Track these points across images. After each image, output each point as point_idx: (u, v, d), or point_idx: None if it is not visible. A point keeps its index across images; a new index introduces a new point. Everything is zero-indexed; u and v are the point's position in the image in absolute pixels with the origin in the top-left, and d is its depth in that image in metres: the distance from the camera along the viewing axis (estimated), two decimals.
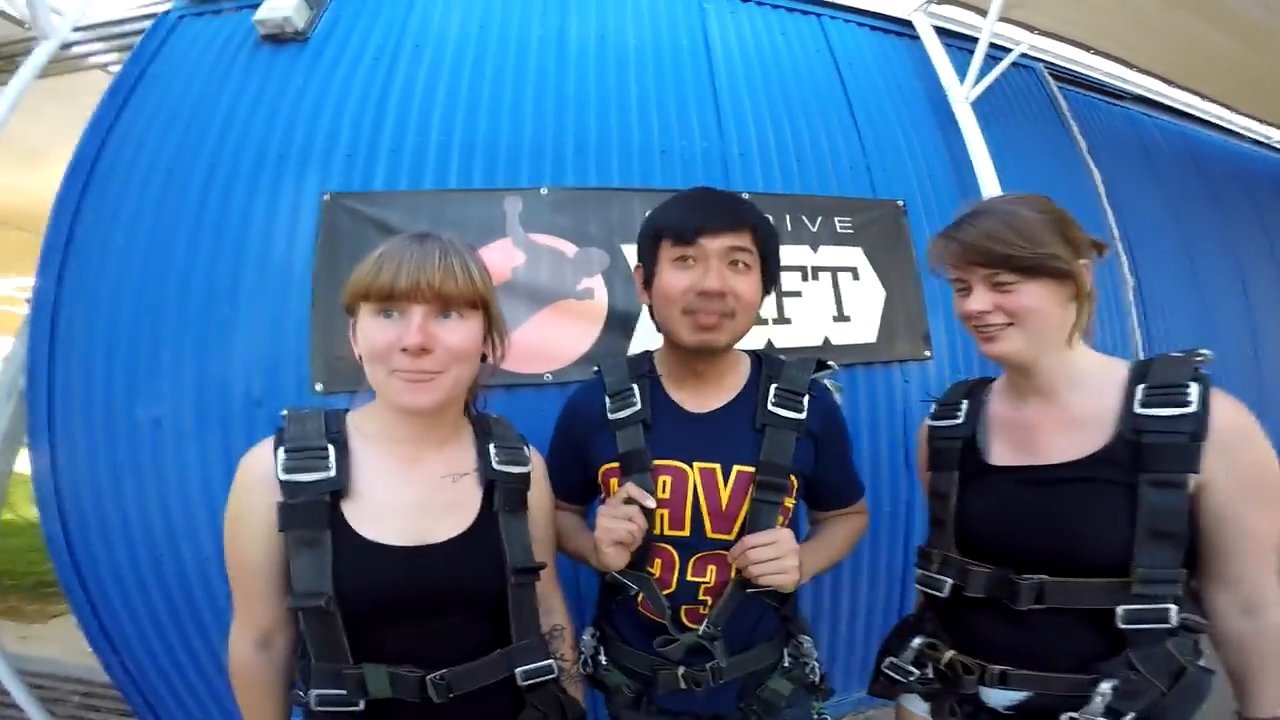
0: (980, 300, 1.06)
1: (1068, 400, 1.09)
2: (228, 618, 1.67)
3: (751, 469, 1.19)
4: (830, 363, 1.32)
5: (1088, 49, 3.76)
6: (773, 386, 1.25)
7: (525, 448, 1.16)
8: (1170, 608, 0.97)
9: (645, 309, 2.20)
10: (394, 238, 1.02)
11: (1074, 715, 1.01)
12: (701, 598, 1.21)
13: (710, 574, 1.20)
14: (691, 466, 1.20)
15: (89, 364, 2.09)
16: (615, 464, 1.24)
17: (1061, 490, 1.04)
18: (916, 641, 1.21)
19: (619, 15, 2.85)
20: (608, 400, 1.27)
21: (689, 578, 1.21)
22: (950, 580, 1.15)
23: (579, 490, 1.37)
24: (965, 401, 1.23)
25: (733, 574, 1.19)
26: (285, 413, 1.03)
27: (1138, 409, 1.00)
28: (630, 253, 2.35)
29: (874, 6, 3.34)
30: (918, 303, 2.67)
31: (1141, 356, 3.07)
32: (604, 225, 2.37)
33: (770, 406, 1.23)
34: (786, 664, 1.27)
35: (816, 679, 1.30)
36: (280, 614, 1.03)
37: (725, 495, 1.19)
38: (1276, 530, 1.00)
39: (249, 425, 2.07)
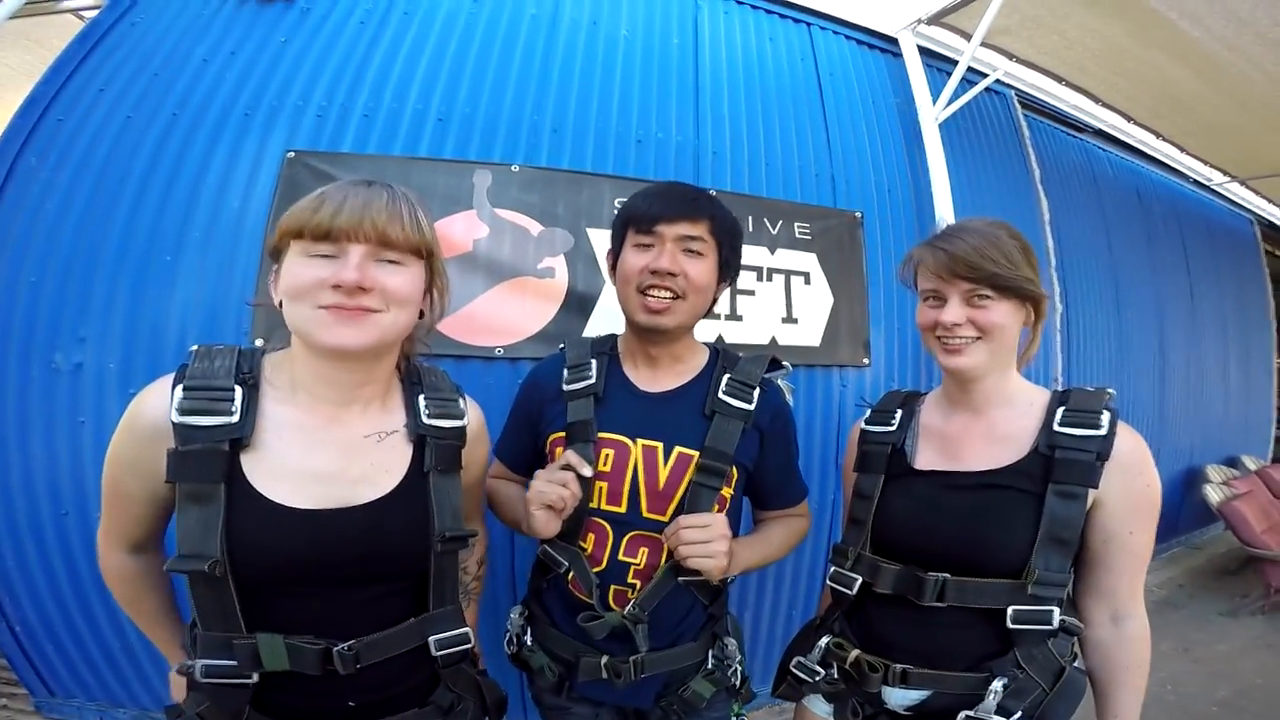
0: (955, 313, 1.00)
1: (994, 417, 1.05)
2: None
3: (692, 452, 1.08)
4: (785, 363, 1.21)
5: (1060, 80, 3.48)
6: (725, 376, 1.14)
7: (460, 399, 0.96)
8: (1055, 610, 0.96)
9: (613, 292, 2.08)
10: (339, 181, 0.83)
11: (969, 714, 0.97)
12: (631, 580, 1.09)
13: (642, 556, 1.08)
14: (635, 442, 1.09)
15: (8, 306, 1.78)
16: (562, 433, 1.12)
17: (976, 495, 1.00)
18: (824, 640, 1.13)
19: (614, 4, 2.55)
20: (565, 372, 1.16)
21: (620, 557, 1.08)
22: (860, 578, 1.08)
23: (527, 461, 1.23)
24: (899, 410, 1.16)
25: (664, 558, 1.07)
26: (194, 348, 0.82)
27: (1057, 427, 0.98)
28: (596, 237, 2.15)
29: (864, 22, 3.05)
30: (863, 312, 2.50)
31: (1060, 379, 2.95)
32: (572, 207, 2.14)
33: (721, 394, 1.12)
34: (710, 666, 1.14)
35: (738, 682, 1.18)
36: (154, 531, 0.86)
37: (664, 475, 1.08)
38: (1149, 549, 1.00)
39: None
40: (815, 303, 2.40)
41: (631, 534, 1.08)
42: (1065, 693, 0.97)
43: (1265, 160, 4.28)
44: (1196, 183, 4.86)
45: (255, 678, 0.77)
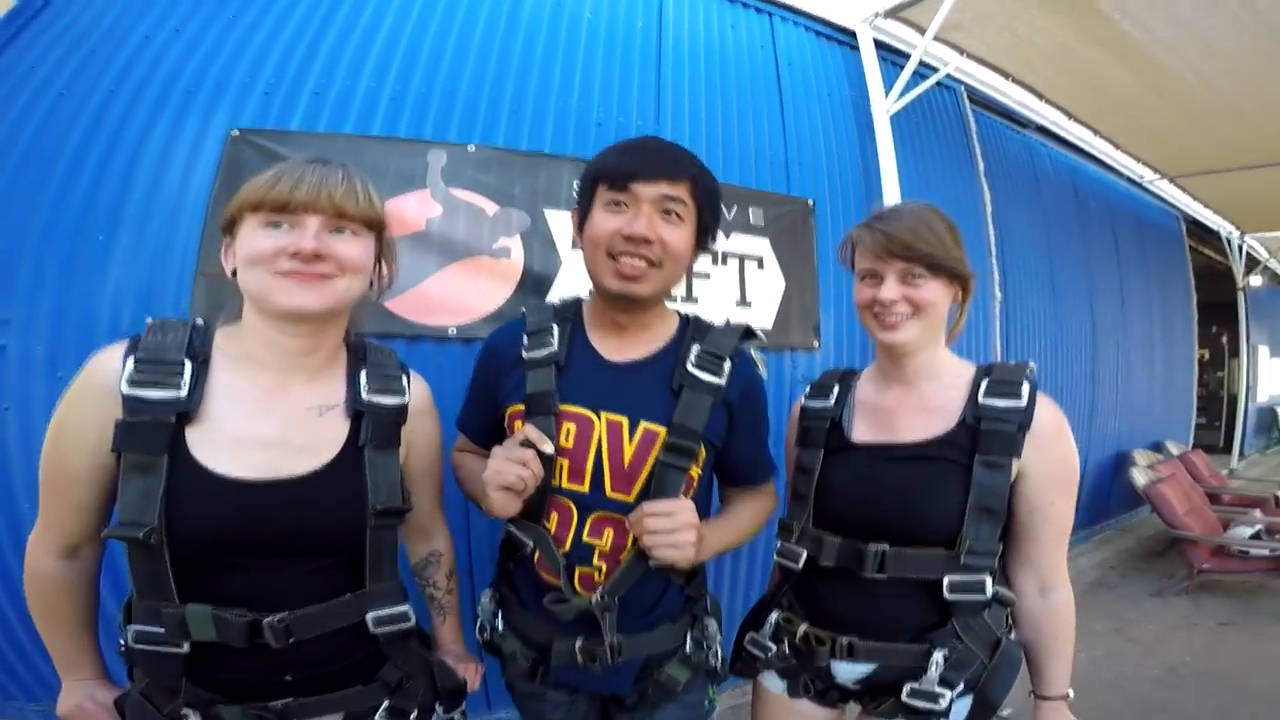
0: (891, 290, 1.04)
1: (925, 390, 1.10)
2: None
3: (659, 428, 1.01)
4: (759, 332, 1.14)
5: (1007, 76, 3.63)
6: (695, 347, 1.06)
7: (404, 377, 0.98)
8: (987, 579, 0.99)
9: (570, 272, 2.08)
10: (292, 159, 0.86)
11: (915, 686, 1.00)
12: (596, 563, 1.02)
13: (607, 537, 1.01)
14: (599, 416, 1.02)
15: None
16: (521, 405, 1.04)
17: (909, 466, 1.04)
18: (774, 616, 1.16)
19: None
20: (525, 339, 1.08)
21: (584, 538, 1.02)
22: (805, 552, 1.10)
23: (489, 434, 1.14)
24: (837, 386, 1.19)
25: (630, 542, 1.01)
26: (150, 320, 0.84)
27: (981, 399, 1.03)
28: (553, 218, 2.15)
29: (824, 14, 3.11)
30: (813, 296, 2.58)
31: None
32: (529, 188, 2.13)
33: (690, 367, 1.04)
34: (688, 649, 1.09)
35: (717, 664, 1.14)
36: (93, 528, 0.85)
37: (629, 452, 1.01)
38: (1070, 519, 1.05)
39: None
40: (768, 287, 2.46)
41: (595, 515, 1.02)
42: (1003, 663, 1.01)
43: (1193, 159, 4.55)
44: (1129, 179, 5.14)
45: (186, 648, 0.78)
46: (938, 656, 0.99)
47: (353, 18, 2.11)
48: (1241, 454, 7.37)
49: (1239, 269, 6.73)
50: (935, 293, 1.04)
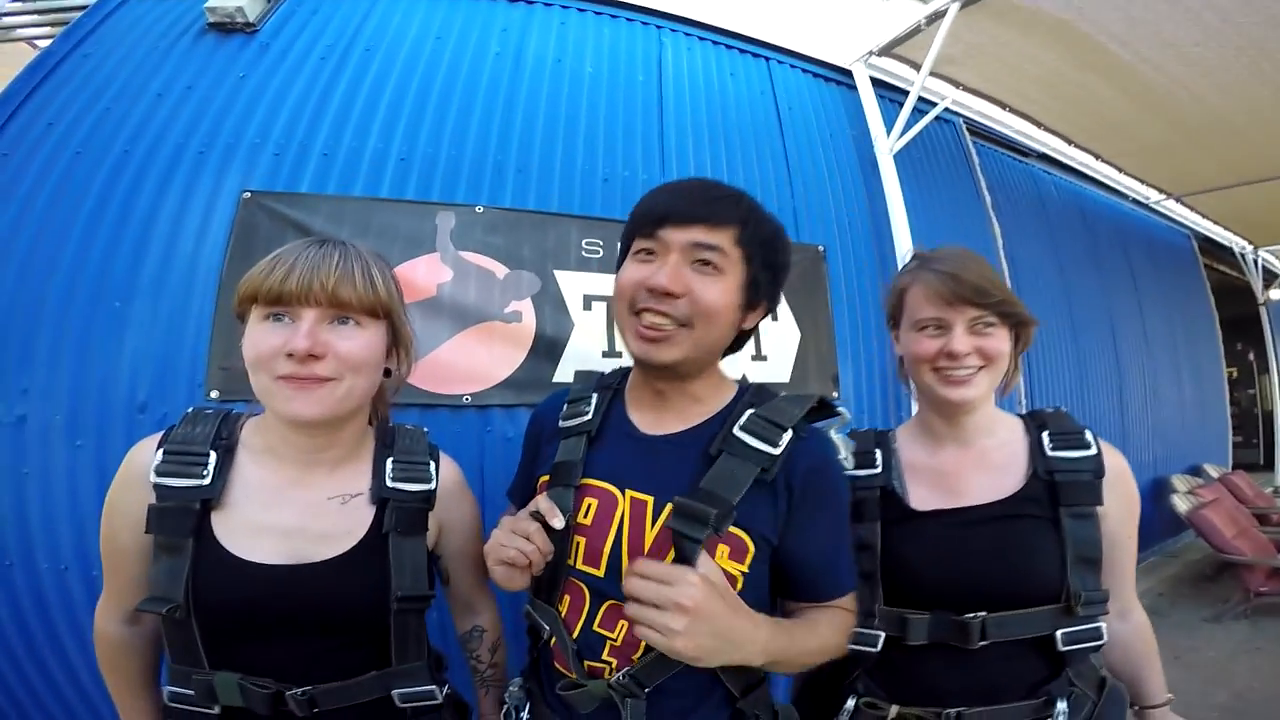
0: (964, 341, 1.00)
1: (984, 446, 1.07)
2: (86, 635, 1.32)
3: None
4: (841, 409, 0.96)
5: (1004, 106, 3.73)
6: (749, 412, 0.90)
7: (431, 463, 0.99)
8: (1103, 625, 0.98)
9: (584, 334, 2.07)
10: (294, 241, 0.87)
11: None
12: (606, 657, 0.88)
13: (620, 630, 0.88)
14: (623, 493, 0.91)
15: None
16: (548, 476, 0.97)
17: (992, 528, 1.00)
18: (851, 702, 1.06)
19: (579, 41, 2.64)
20: (564, 407, 1.04)
21: (595, 627, 0.89)
22: (883, 633, 1.02)
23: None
24: (878, 450, 1.12)
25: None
26: (189, 410, 0.92)
27: (1050, 452, 1.02)
28: (563, 279, 2.18)
29: (819, 55, 3.22)
30: (829, 345, 2.57)
31: (1024, 401, 3.04)
32: (538, 249, 2.17)
33: (735, 430, 0.88)
34: None
35: None
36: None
37: (650, 536, 0.88)
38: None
39: (130, 430, 1.72)
40: (783, 338, 2.46)
41: (609, 603, 0.88)
42: (1114, 699, 1.02)
43: (1197, 177, 4.60)
44: (1136, 201, 5.20)
45: (217, 709, 0.82)
46: (1061, 706, 0.96)
47: (358, 79, 2.21)
48: None
49: (1258, 284, 6.73)
50: (1004, 342, 1.02)
